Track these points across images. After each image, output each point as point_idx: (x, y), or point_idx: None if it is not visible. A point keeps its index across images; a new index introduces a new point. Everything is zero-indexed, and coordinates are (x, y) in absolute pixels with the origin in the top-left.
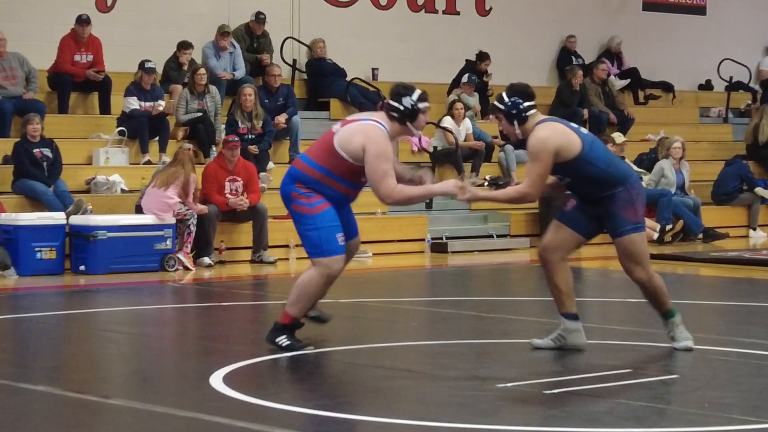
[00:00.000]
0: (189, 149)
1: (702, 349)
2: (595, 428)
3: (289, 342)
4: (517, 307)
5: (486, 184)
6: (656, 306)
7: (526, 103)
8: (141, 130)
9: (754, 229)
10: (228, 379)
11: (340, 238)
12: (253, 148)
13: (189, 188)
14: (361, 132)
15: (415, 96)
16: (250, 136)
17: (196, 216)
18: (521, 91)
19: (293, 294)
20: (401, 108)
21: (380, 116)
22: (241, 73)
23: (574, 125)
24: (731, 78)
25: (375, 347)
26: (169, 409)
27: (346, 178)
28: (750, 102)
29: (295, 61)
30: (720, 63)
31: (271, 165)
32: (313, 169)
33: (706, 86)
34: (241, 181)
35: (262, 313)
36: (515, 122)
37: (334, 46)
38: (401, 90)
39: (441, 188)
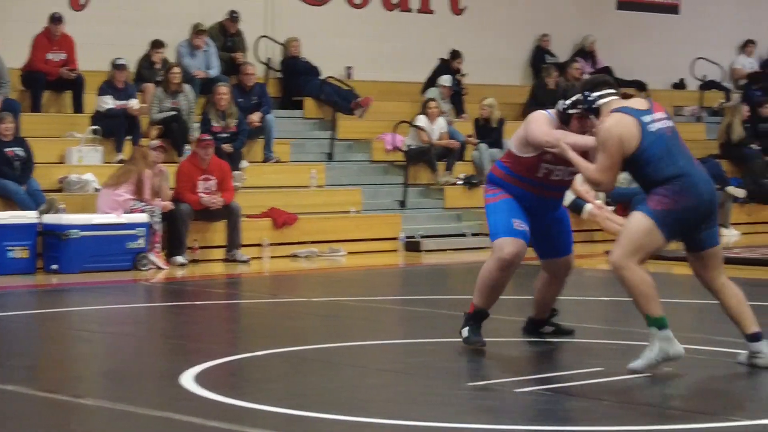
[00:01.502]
0: (158, 146)
1: None
2: (565, 426)
3: (467, 335)
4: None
5: (462, 183)
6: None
7: (594, 94)
8: (117, 128)
9: (727, 228)
10: (200, 379)
11: (515, 223)
12: (227, 147)
13: (143, 186)
14: (523, 123)
15: (569, 101)
16: (224, 135)
17: (159, 214)
18: (589, 84)
19: (476, 284)
20: (558, 110)
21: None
22: (215, 71)
23: (650, 117)
24: (704, 77)
25: (349, 346)
26: (141, 408)
27: (523, 174)
28: (723, 101)
29: (269, 59)
30: (693, 62)
31: (244, 164)
32: (499, 169)
33: (680, 85)
34: (215, 180)
35: (235, 312)
36: (592, 116)
37: (308, 44)
38: (561, 93)
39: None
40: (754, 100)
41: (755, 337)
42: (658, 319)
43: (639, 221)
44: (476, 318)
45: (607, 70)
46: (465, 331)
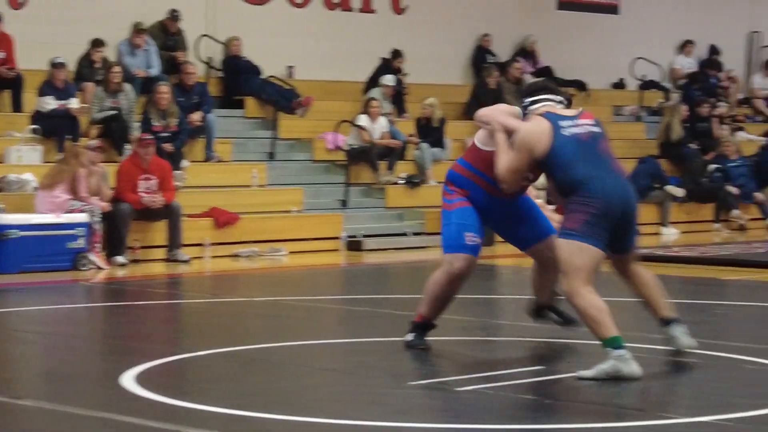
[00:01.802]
0: (96, 146)
1: None
2: (505, 425)
3: (411, 339)
4: None
5: (403, 182)
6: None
7: (528, 99)
8: (57, 128)
9: (666, 226)
10: (141, 379)
11: (467, 237)
12: (168, 146)
13: (78, 185)
14: None
15: (527, 100)
16: (164, 134)
17: (99, 213)
18: (528, 89)
19: (424, 294)
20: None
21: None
22: (155, 70)
23: (570, 122)
24: (644, 76)
25: (290, 345)
26: (81, 409)
27: (482, 170)
28: (663, 100)
29: (210, 59)
30: (633, 62)
31: (185, 163)
32: (461, 166)
33: (620, 85)
34: (156, 180)
35: (176, 312)
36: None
37: (249, 44)
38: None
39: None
40: (693, 100)
41: (665, 322)
42: (611, 340)
43: (561, 247)
44: (422, 328)
45: (547, 69)
46: (409, 336)
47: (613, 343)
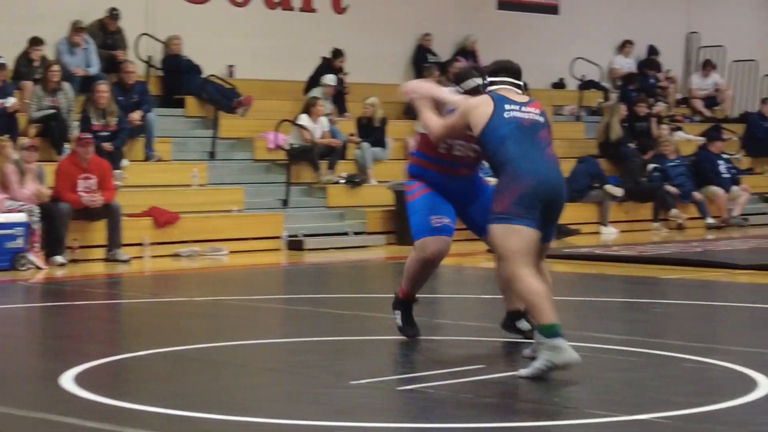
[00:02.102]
0: (29, 145)
1: None
2: (447, 424)
3: (401, 324)
4: (373, 304)
5: (344, 182)
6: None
7: (490, 78)
8: None
9: (605, 226)
10: (80, 379)
11: (433, 220)
12: (108, 146)
13: (8, 181)
14: None
15: (489, 79)
16: (104, 134)
17: (37, 212)
18: (490, 68)
19: (404, 271)
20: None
21: None
22: (95, 69)
23: (515, 107)
24: (583, 76)
25: (231, 345)
26: (19, 410)
27: (430, 153)
28: (602, 100)
29: (150, 57)
30: (572, 62)
31: (125, 162)
32: (413, 156)
33: (559, 84)
34: (95, 179)
35: (116, 312)
36: None
37: (189, 42)
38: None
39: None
40: (631, 99)
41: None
42: (547, 327)
43: (494, 232)
44: (406, 304)
45: None
46: (398, 319)
47: (548, 331)
